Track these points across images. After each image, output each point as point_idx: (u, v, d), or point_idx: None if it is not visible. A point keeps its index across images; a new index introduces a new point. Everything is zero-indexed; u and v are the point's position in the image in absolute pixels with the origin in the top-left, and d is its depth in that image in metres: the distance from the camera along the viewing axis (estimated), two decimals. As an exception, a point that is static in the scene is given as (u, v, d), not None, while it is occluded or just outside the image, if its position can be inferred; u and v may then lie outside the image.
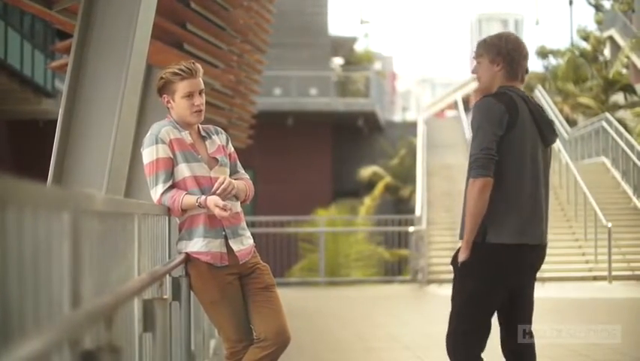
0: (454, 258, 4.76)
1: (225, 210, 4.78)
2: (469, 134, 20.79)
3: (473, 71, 4.96)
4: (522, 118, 4.74)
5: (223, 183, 4.86)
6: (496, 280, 4.73)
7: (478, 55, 4.90)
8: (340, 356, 9.42)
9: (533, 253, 4.80)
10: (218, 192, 4.85)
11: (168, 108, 5.01)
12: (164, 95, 4.98)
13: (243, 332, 5.01)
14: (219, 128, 5.25)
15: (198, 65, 5.04)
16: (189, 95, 4.93)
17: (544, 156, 4.86)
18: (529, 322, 4.92)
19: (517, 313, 4.90)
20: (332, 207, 26.64)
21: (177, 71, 4.93)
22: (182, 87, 4.93)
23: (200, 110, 4.98)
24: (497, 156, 4.63)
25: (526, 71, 4.96)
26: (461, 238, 4.73)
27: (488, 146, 4.61)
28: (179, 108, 4.95)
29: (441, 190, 23.27)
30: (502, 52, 4.82)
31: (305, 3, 36.41)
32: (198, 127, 5.07)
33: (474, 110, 4.80)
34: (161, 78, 4.97)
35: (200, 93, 4.97)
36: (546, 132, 4.87)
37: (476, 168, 4.61)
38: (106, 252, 2.98)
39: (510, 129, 4.68)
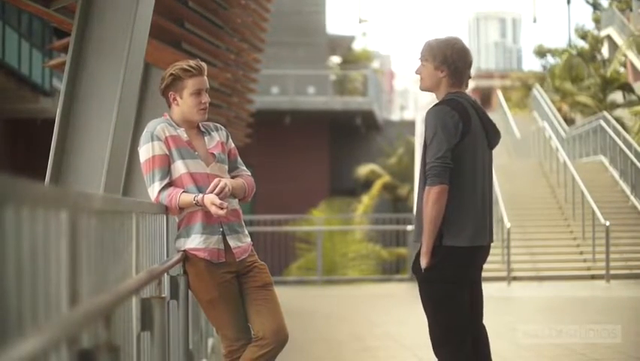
0: (415, 265, 4.92)
1: (222, 208, 4.78)
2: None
3: (417, 72, 5.04)
4: (474, 125, 4.91)
5: (218, 185, 4.86)
6: (459, 279, 4.92)
7: (423, 58, 4.99)
8: (337, 355, 9.42)
9: (483, 253, 5.08)
10: (214, 193, 4.85)
11: (171, 106, 5.00)
12: (171, 92, 4.97)
13: (240, 330, 5.01)
14: (219, 125, 5.24)
15: (204, 64, 5.07)
16: (198, 93, 4.95)
17: (489, 158, 5.12)
18: (482, 314, 5.14)
19: (472, 308, 5.05)
20: (322, 205, 26.58)
21: (187, 67, 4.95)
22: (191, 84, 4.95)
23: (206, 108, 5.00)
24: (452, 163, 4.80)
25: (469, 77, 5.07)
26: (416, 240, 4.96)
27: (444, 154, 4.77)
28: (185, 106, 4.95)
29: (438, 189, 23.21)
30: (448, 60, 4.91)
31: (302, 2, 36.41)
32: (198, 124, 5.07)
33: (428, 117, 4.86)
34: (171, 74, 4.96)
35: (206, 91, 5.00)
36: (492, 136, 5.09)
37: (432, 176, 4.75)
38: (104, 250, 2.98)
39: (464, 136, 4.85)
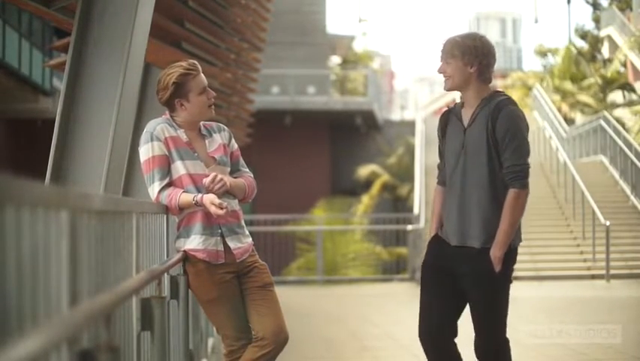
0: (489, 271, 4.79)
1: (221, 208, 4.77)
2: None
3: (441, 71, 4.93)
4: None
5: (214, 179, 4.85)
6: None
7: (448, 55, 4.88)
8: (337, 355, 9.42)
9: None
10: (205, 185, 4.84)
11: (175, 111, 4.96)
12: (177, 100, 4.94)
13: (241, 330, 5.00)
14: (222, 125, 5.22)
15: (196, 62, 5.07)
16: (204, 91, 4.95)
17: None
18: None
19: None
20: (321, 203, 26.56)
21: (186, 71, 4.92)
22: (195, 85, 4.93)
23: (212, 104, 5.01)
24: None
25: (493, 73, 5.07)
26: (463, 243, 4.86)
27: (527, 156, 4.85)
28: (195, 107, 4.93)
29: (439, 189, 23.21)
30: (479, 55, 4.85)
31: (303, 1, 36.41)
32: (199, 125, 5.05)
33: (510, 116, 4.79)
34: (174, 83, 4.90)
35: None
36: None
37: (523, 178, 4.78)
38: (104, 250, 2.98)
39: None
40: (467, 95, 4.92)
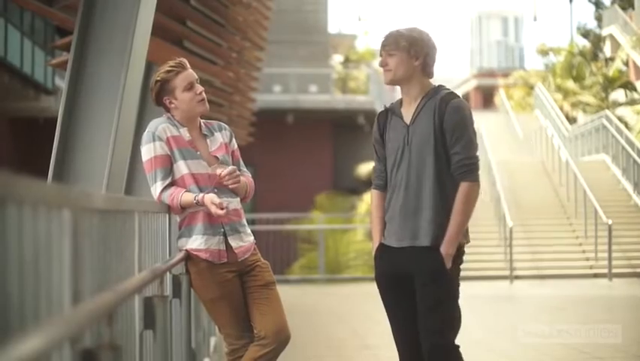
0: (440, 265, 4.57)
1: (222, 208, 4.77)
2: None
3: (382, 64, 4.71)
4: None
5: (232, 173, 4.87)
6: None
7: (392, 47, 4.65)
8: (339, 353, 9.42)
9: None
10: (221, 175, 4.85)
11: (169, 110, 4.98)
12: (165, 98, 4.95)
13: (242, 329, 5.00)
14: (223, 124, 5.22)
15: (184, 59, 5.06)
16: (190, 87, 4.93)
17: None
18: None
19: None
20: (320, 200, 26.55)
21: (169, 68, 4.94)
22: (180, 81, 4.93)
23: (204, 99, 4.99)
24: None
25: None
26: (415, 241, 4.62)
27: (476, 150, 4.64)
28: (183, 103, 4.94)
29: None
30: (424, 48, 4.64)
31: (304, 0, 36.39)
32: (200, 124, 5.06)
33: (455, 108, 4.59)
34: (157, 81, 4.94)
35: (197, 82, 4.99)
36: None
37: (475, 171, 4.59)
38: (106, 249, 2.97)
39: None
40: (409, 89, 4.70)
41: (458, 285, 4.67)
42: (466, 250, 4.79)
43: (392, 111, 4.78)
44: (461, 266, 4.72)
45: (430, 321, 4.58)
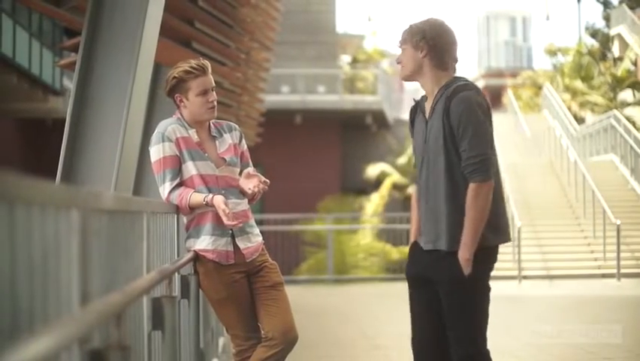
0: (458, 272, 4.34)
1: (227, 214, 4.76)
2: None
3: (397, 60, 4.57)
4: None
5: (260, 184, 4.89)
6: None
7: (402, 42, 4.51)
8: (347, 354, 9.42)
9: None
10: (250, 188, 4.87)
11: (179, 107, 4.99)
12: (177, 95, 4.96)
13: (250, 330, 5.00)
14: (233, 125, 5.22)
15: (207, 62, 5.05)
16: (204, 93, 4.93)
17: None
18: None
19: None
20: (327, 201, 26.55)
21: (190, 69, 4.92)
22: (195, 85, 4.92)
23: (214, 107, 4.98)
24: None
25: (456, 60, 4.54)
26: (437, 245, 4.45)
27: (493, 146, 4.42)
28: (193, 106, 4.94)
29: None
30: (427, 37, 4.42)
31: (312, 1, 36.39)
32: (209, 125, 5.06)
33: (462, 101, 4.34)
34: (174, 77, 4.93)
35: (212, 90, 4.98)
36: None
37: (487, 170, 4.32)
38: (115, 250, 2.98)
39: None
40: (423, 83, 4.51)
41: (487, 288, 4.45)
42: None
43: (419, 106, 4.62)
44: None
45: (457, 331, 4.43)
